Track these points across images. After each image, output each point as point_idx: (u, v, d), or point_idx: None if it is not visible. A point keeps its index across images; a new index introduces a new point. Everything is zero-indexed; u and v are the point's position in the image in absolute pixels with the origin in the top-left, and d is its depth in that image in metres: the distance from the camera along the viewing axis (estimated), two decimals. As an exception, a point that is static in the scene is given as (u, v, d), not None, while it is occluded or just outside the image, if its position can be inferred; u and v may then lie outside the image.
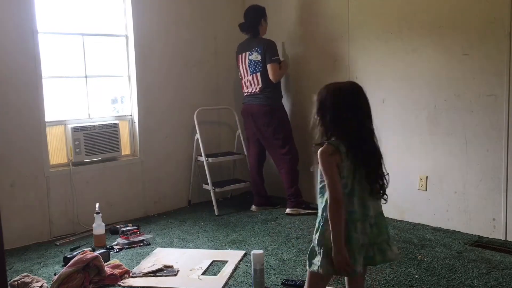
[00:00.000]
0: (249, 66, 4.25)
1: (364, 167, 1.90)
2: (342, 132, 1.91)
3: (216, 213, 4.26)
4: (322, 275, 1.94)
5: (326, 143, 1.90)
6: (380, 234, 1.95)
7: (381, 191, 1.94)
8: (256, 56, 4.19)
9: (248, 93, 4.31)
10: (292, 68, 4.54)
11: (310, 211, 4.17)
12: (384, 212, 3.98)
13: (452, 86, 3.56)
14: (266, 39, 4.25)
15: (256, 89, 4.23)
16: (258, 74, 4.19)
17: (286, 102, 4.46)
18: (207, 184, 4.43)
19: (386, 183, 1.95)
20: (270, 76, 4.14)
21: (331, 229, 1.86)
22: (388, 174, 1.96)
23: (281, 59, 4.33)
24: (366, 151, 1.90)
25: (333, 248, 1.86)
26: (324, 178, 1.88)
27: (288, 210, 4.19)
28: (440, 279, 2.78)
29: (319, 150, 1.90)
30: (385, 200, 1.97)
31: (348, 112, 1.92)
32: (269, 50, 4.14)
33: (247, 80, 4.29)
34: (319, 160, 1.89)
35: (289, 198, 4.23)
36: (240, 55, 4.35)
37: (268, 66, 4.13)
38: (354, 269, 1.87)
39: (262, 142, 4.34)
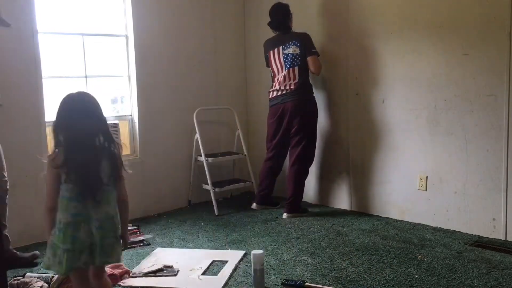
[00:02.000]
0: (285, 61, 4.11)
1: (80, 174, 2.00)
2: (61, 139, 2.04)
3: (216, 213, 4.26)
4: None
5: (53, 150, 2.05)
6: (105, 236, 2.04)
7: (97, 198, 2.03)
8: (294, 49, 4.07)
9: (279, 93, 4.13)
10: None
11: (305, 214, 4.18)
12: (384, 212, 3.99)
13: (452, 86, 3.56)
14: (301, 32, 4.15)
15: (291, 85, 4.07)
16: (296, 68, 4.07)
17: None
18: (207, 184, 4.43)
19: (104, 193, 2.05)
20: (312, 69, 4.07)
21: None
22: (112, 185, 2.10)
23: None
24: (79, 159, 2.01)
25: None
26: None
27: (285, 215, 4.14)
28: (440, 279, 2.78)
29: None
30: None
31: (62, 119, 2.06)
32: (308, 43, 4.07)
33: (282, 76, 4.12)
34: None
35: (289, 201, 4.18)
36: (272, 51, 4.20)
37: (309, 59, 4.05)
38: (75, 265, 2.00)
39: (289, 139, 4.18)
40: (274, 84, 4.23)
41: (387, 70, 3.92)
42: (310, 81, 4.21)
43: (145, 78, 4.27)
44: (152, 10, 4.29)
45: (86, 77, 4.04)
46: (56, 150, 2.03)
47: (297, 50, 4.07)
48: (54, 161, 2.01)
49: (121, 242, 2.15)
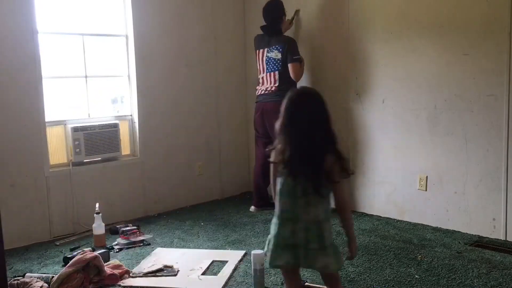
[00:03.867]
0: (267, 64, 4.13)
1: (302, 177, 1.98)
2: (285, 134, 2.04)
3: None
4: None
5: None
6: (309, 240, 1.97)
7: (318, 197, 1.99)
8: (276, 54, 4.08)
9: (262, 91, 4.18)
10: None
11: None
12: (384, 212, 3.96)
13: (452, 86, 3.56)
14: (287, 36, 4.15)
15: (272, 87, 4.12)
16: (276, 72, 4.09)
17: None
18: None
19: (316, 195, 1.97)
20: (293, 76, 4.05)
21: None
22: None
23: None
24: (296, 156, 1.99)
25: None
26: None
27: None
28: (440, 279, 2.79)
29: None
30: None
31: (287, 115, 2.04)
32: (291, 49, 4.04)
33: (262, 77, 4.19)
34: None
35: None
36: (258, 50, 4.23)
37: (290, 66, 4.03)
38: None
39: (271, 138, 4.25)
40: (258, 82, 4.27)
41: (387, 70, 3.92)
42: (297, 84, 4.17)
43: (145, 78, 4.27)
44: (152, 10, 4.28)
45: (86, 77, 4.03)
46: (280, 144, 2.04)
47: (279, 56, 4.07)
48: (276, 154, 2.05)
49: (348, 250, 2.09)
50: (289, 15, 4.31)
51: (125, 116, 4.30)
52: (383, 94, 3.97)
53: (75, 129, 3.87)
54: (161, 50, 4.37)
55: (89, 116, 4.07)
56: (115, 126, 4.11)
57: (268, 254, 2.03)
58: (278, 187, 2.03)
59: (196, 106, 4.62)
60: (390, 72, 3.90)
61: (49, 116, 3.79)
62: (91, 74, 4.07)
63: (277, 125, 2.03)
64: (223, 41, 4.81)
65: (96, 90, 4.13)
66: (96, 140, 3.98)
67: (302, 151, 1.98)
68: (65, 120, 3.94)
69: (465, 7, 3.44)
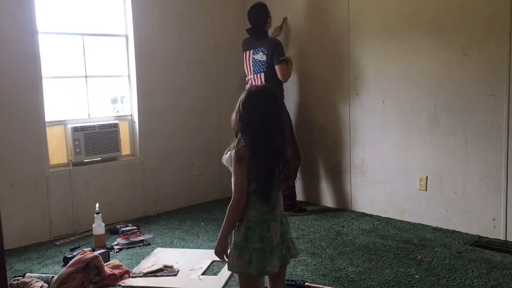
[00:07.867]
0: (253, 65, 4.17)
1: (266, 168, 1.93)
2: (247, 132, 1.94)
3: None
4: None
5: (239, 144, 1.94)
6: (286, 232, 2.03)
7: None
8: (261, 56, 4.10)
9: None
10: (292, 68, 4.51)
11: (302, 214, 4.18)
12: (384, 212, 3.99)
13: (452, 86, 3.56)
14: (272, 38, 4.18)
15: None
16: (262, 74, 4.12)
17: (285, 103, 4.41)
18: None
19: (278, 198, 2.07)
20: (280, 77, 4.06)
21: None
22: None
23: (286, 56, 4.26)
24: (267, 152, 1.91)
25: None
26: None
27: None
28: (440, 279, 2.79)
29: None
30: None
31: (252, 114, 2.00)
32: (276, 51, 4.05)
33: (249, 79, 4.24)
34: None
35: (283, 200, 4.18)
36: (245, 53, 4.27)
37: (277, 67, 4.05)
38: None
39: None
40: (247, 83, 4.29)
41: (387, 70, 3.92)
42: (283, 86, 4.19)
43: (145, 78, 4.27)
44: (152, 10, 4.28)
45: (86, 77, 4.03)
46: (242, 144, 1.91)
47: (264, 58, 4.08)
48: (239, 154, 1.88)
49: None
50: (279, 18, 4.35)
51: (125, 116, 4.30)
52: (383, 94, 3.97)
53: (75, 129, 3.87)
54: (161, 50, 4.37)
55: (89, 116, 4.07)
56: (115, 126, 4.11)
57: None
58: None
59: (196, 106, 4.62)
60: (390, 72, 3.90)
61: (49, 116, 3.80)
62: (91, 74, 4.07)
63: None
64: (223, 41, 4.81)
65: (96, 90, 4.13)
66: (96, 140, 3.98)
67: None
68: (65, 120, 3.94)
69: (465, 7, 3.44)
